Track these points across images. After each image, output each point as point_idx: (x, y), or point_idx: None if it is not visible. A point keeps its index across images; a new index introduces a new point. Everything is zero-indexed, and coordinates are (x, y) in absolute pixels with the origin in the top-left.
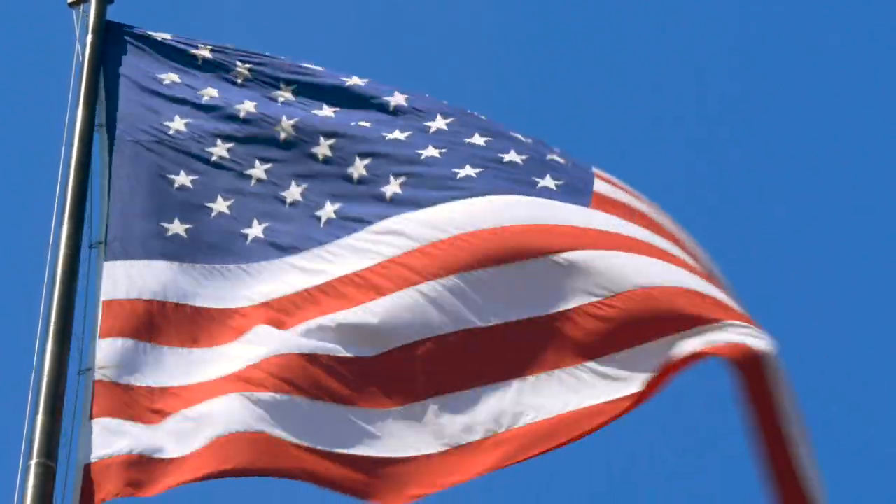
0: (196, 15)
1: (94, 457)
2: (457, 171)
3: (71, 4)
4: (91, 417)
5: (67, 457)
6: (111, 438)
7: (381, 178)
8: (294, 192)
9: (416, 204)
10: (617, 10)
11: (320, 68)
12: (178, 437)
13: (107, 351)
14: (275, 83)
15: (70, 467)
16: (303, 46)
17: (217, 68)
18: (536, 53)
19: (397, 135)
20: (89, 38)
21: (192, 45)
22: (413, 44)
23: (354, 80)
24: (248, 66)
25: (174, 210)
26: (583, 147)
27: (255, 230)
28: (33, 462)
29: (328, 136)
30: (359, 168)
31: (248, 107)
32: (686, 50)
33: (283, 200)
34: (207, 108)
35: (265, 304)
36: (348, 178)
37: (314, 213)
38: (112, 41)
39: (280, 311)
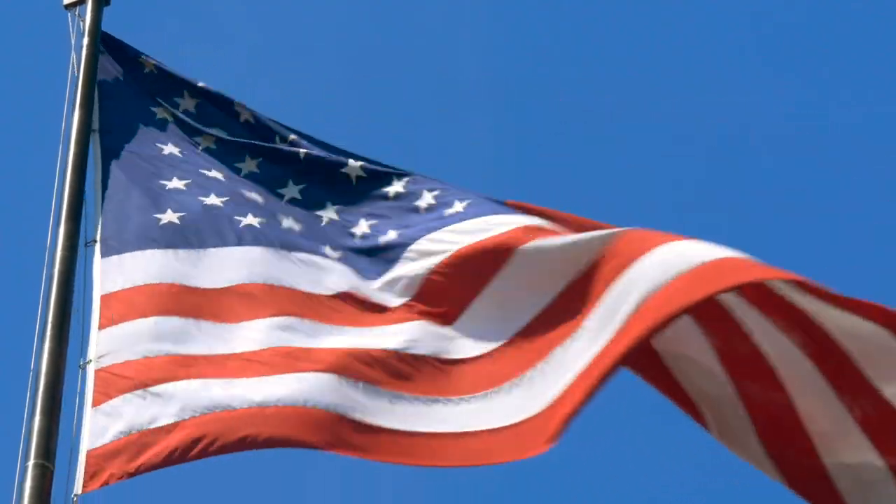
0: (190, 17)
1: (94, 444)
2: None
3: (67, 6)
4: (94, 405)
5: (69, 456)
6: (109, 424)
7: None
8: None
9: None
10: (616, 15)
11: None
12: (185, 402)
13: (107, 339)
14: (240, 154)
15: (73, 463)
16: (298, 47)
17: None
18: (535, 56)
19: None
20: (85, 40)
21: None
22: (411, 43)
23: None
24: (215, 131)
25: (167, 203)
26: (581, 149)
27: (250, 220)
28: (31, 463)
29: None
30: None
31: (215, 175)
32: (685, 59)
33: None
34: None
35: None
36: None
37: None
38: (108, 50)
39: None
